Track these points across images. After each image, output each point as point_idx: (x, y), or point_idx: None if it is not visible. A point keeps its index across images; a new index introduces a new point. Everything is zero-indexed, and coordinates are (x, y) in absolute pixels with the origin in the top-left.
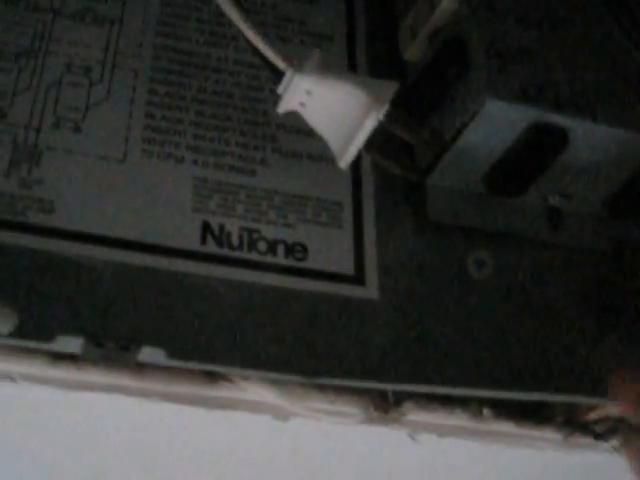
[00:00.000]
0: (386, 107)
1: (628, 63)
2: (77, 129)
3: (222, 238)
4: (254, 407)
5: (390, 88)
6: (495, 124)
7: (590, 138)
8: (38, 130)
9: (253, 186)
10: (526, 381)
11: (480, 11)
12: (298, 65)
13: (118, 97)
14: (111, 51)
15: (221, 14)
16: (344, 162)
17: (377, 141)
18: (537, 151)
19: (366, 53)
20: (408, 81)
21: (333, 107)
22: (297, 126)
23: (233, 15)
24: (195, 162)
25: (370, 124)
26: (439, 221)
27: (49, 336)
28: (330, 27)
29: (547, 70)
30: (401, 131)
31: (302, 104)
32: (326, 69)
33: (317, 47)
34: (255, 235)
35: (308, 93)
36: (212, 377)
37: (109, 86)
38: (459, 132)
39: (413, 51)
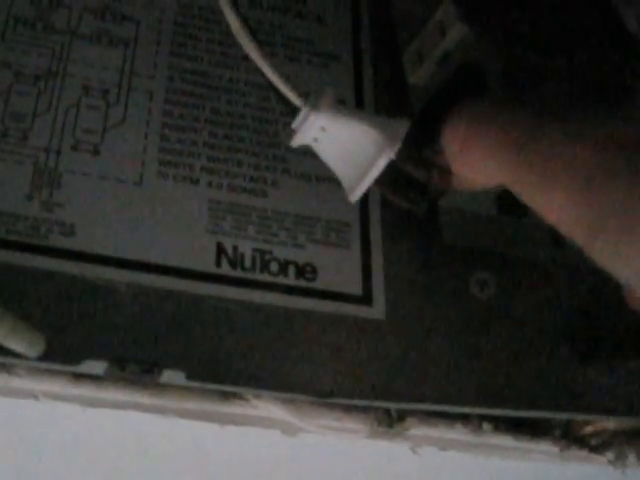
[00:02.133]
0: (398, 146)
1: (635, 88)
2: (96, 152)
3: (236, 260)
4: (265, 423)
5: (402, 127)
6: None
7: None
8: (58, 153)
9: (264, 207)
10: (525, 398)
11: (494, 37)
12: (313, 102)
13: (134, 119)
14: (127, 72)
15: (231, 35)
16: (354, 197)
17: (386, 176)
18: None
19: (372, 72)
20: (419, 106)
21: (346, 144)
22: (306, 148)
23: (251, 50)
24: (209, 184)
25: (382, 162)
26: (452, 243)
27: (75, 360)
28: (337, 46)
29: (557, 95)
30: (411, 169)
31: (315, 139)
32: (340, 106)
33: (325, 66)
34: (267, 256)
35: (322, 129)
36: (226, 395)
37: (125, 108)
38: None
39: (420, 75)
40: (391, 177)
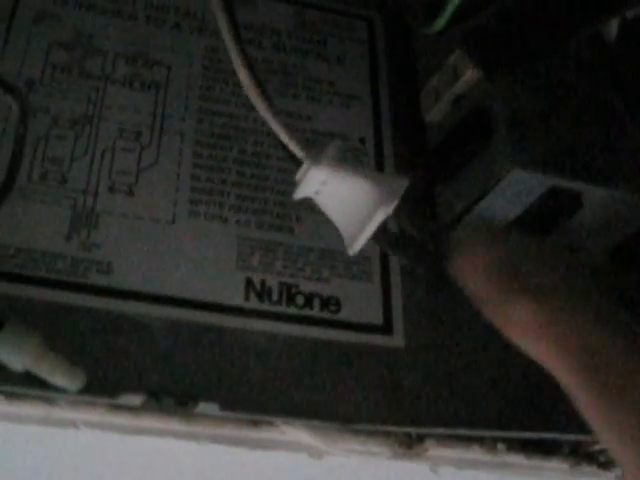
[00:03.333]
0: (395, 203)
1: (633, 132)
2: (130, 192)
3: (263, 293)
4: (292, 447)
5: (400, 185)
6: (517, 189)
7: (601, 201)
8: (95, 194)
9: (290, 243)
10: (537, 420)
11: (501, 81)
12: (316, 156)
13: (166, 160)
14: (159, 115)
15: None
16: (353, 249)
17: (382, 232)
18: (553, 212)
19: (389, 110)
20: (431, 144)
21: (346, 199)
22: None
23: (259, 105)
24: (238, 222)
25: (379, 218)
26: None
27: (114, 393)
28: (356, 87)
29: (563, 138)
30: (408, 226)
31: (317, 192)
32: (341, 162)
33: (345, 106)
34: (293, 290)
35: (323, 183)
36: (256, 422)
37: (158, 150)
38: (482, 195)
39: (435, 112)
40: (389, 233)
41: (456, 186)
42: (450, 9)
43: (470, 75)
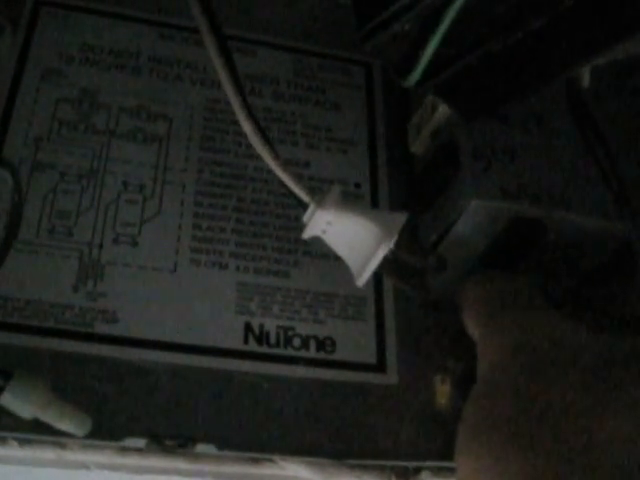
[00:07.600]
0: (396, 238)
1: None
2: (134, 244)
3: (262, 337)
4: None
5: (399, 220)
6: (480, 220)
7: (565, 227)
8: (100, 246)
9: (287, 287)
10: None
11: (468, 116)
12: (320, 199)
13: (168, 211)
14: (161, 167)
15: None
16: (361, 281)
17: (388, 264)
18: (518, 241)
19: (386, 154)
20: (414, 174)
21: (350, 236)
22: None
23: (265, 155)
24: (237, 268)
25: (382, 253)
26: (437, 300)
27: (118, 437)
28: (353, 132)
29: (526, 168)
30: (409, 257)
31: (324, 231)
32: (344, 203)
33: (342, 152)
34: (290, 332)
35: (329, 223)
36: (256, 458)
37: (160, 201)
38: (450, 226)
39: (418, 146)
40: (393, 265)
41: (430, 217)
42: (422, 64)
43: (443, 110)
